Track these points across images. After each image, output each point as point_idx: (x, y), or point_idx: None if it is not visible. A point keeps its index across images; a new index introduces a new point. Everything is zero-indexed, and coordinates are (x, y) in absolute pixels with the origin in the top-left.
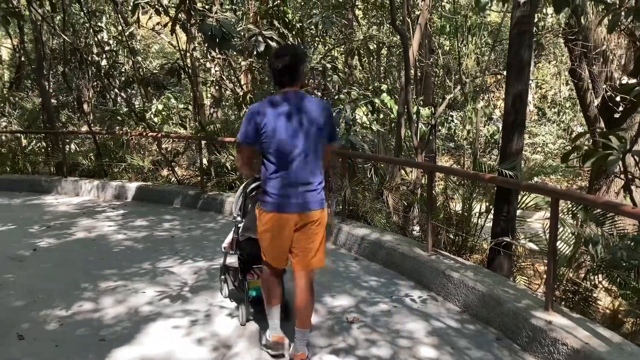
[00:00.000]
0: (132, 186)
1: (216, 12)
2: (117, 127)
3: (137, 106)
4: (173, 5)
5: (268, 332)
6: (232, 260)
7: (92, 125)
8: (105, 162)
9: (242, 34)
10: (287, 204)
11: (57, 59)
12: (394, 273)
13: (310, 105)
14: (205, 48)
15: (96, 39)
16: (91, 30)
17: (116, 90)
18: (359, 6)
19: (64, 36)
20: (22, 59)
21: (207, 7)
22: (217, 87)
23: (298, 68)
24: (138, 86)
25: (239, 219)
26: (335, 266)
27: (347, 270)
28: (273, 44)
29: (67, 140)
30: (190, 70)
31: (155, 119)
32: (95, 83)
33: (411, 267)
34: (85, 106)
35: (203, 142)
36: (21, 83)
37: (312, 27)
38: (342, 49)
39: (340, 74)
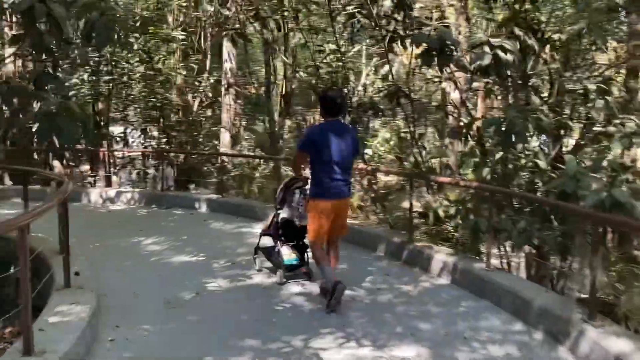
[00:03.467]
0: None
1: (437, 20)
2: None
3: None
4: (387, 14)
5: (326, 280)
6: (266, 242)
7: None
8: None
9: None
10: (332, 194)
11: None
12: None
13: (347, 130)
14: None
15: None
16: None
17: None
18: None
19: (284, 58)
20: (291, 87)
21: (430, 16)
22: (450, 114)
23: (345, 105)
24: (356, 111)
25: (279, 207)
26: None
27: None
28: (507, 56)
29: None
30: (411, 93)
31: (382, 149)
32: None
33: None
34: None
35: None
36: (290, 110)
37: (576, 38)
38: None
39: (608, 98)
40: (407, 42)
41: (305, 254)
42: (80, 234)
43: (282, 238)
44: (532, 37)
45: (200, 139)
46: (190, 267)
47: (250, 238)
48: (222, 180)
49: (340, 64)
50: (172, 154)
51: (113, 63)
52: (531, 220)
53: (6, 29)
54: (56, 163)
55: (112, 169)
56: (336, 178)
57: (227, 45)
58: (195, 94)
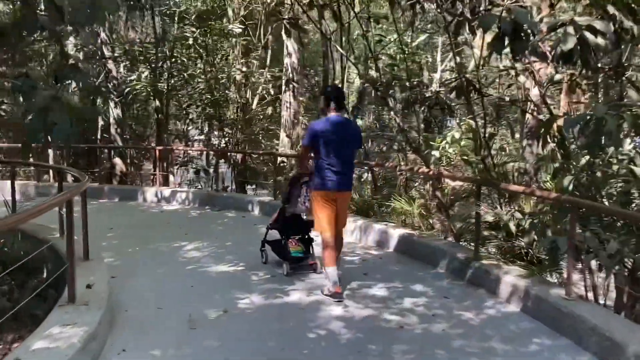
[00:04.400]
0: (395, 233)
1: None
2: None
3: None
4: None
5: (329, 284)
6: (273, 235)
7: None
8: (377, 199)
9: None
10: (330, 185)
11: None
12: None
13: (348, 124)
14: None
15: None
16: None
17: (392, 113)
18: None
19: (342, 51)
20: (365, 84)
21: None
22: (528, 111)
23: (344, 99)
24: (420, 107)
25: (286, 201)
26: None
27: None
28: (598, 39)
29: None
30: (482, 88)
31: (450, 150)
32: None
33: None
34: (414, 134)
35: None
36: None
37: None
38: None
39: None
40: (475, 26)
41: (311, 247)
42: (125, 234)
43: (289, 231)
44: (630, 18)
45: (259, 138)
46: (226, 278)
47: None
48: (277, 182)
49: (403, 56)
50: (229, 154)
51: (173, 60)
52: (624, 240)
53: None
54: (117, 160)
55: (170, 167)
56: (336, 171)
57: (287, 39)
58: (256, 92)
